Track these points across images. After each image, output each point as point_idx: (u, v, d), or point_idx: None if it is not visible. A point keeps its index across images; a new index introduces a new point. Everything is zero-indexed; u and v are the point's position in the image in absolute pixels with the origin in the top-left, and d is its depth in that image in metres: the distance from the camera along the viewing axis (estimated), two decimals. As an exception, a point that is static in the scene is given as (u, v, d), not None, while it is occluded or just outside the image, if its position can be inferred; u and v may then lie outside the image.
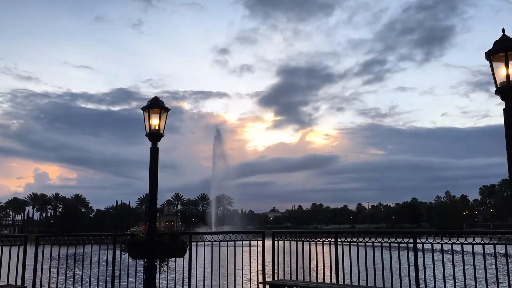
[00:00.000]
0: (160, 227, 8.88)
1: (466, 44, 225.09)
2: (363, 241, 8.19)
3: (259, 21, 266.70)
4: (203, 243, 9.24)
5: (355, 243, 8.19)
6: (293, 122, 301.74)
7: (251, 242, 9.26)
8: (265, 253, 8.89)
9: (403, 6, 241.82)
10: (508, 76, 4.81)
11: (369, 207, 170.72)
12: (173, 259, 8.79)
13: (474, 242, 6.98)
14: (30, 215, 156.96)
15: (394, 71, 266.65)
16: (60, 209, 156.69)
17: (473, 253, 7.04)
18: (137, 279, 9.02)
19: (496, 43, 4.99)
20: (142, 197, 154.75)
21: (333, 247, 8.33)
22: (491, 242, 6.82)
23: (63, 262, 10.63)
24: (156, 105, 8.14)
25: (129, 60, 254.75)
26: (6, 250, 8.84)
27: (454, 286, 7.02)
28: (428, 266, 7.50)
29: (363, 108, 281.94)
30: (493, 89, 4.97)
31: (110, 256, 8.84)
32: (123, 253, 8.65)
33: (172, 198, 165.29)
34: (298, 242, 9.03)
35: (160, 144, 8.21)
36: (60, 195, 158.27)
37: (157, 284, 8.17)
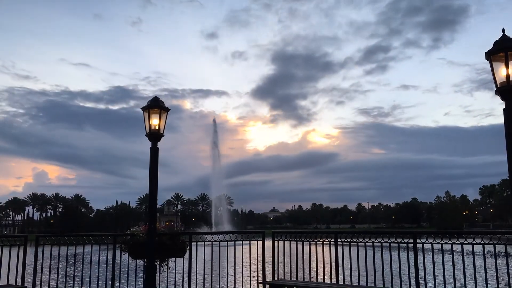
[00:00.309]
0: (160, 227, 8.89)
1: (481, 27, 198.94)
2: (363, 241, 8.20)
3: (251, 0, 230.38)
4: (203, 243, 9.24)
5: (355, 243, 8.19)
6: (291, 117, 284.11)
7: (251, 242, 9.26)
8: (265, 253, 8.90)
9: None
10: (508, 76, 4.81)
11: (369, 207, 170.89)
12: (173, 259, 8.79)
13: (474, 242, 6.98)
14: (30, 215, 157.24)
15: (399, 59, 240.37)
16: (60, 209, 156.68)
17: (473, 253, 7.04)
18: (137, 279, 9.02)
19: (496, 43, 5.00)
20: (142, 197, 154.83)
21: (333, 247, 8.33)
22: (491, 242, 6.82)
23: (63, 262, 10.60)
24: (156, 105, 8.15)
25: (127, 58, 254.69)
26: (6, 250, 8.85)
27: (454, 286, 7.03)
28: (428, 266, 7.50)
29: (364, 103, 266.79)
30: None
31: (110, 256, 8.84)
32: (123, 253, 8.65)
33: (172, 198, 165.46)
34: (298, 242, 9.03)
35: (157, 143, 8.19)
36: (60, 195, 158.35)
37: (157, 284, 8.17)
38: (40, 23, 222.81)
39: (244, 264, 9.96)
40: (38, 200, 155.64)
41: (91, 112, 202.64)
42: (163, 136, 8.21)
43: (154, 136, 8.10)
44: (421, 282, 7.40)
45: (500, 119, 4.91)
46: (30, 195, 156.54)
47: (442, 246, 7.32)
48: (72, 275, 9.43)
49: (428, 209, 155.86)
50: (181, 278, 9.10)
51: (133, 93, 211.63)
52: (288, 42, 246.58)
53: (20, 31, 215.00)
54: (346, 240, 8.32)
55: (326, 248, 8.52)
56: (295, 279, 8.89)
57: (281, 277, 8.99)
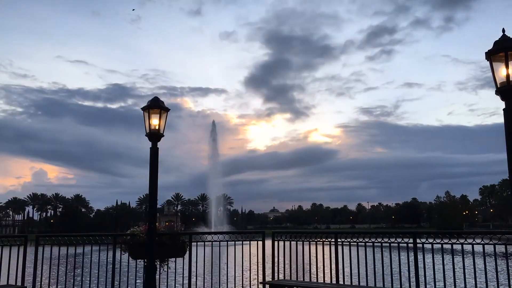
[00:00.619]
0: (160, 227, 8.89)
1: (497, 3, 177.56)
2: (363, 241, 8.20)
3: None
4: (203, 243, 9.24)
5: (355, 243, 8.19)
6: (287, 111, 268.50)
7: (251, 242, 9.26)
8: (265, 253, 8.90)
9: None
10: (508, 76, 4.81)
11: (369, 207, 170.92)
12: (173, 259, 8.79)
13: (474, 242, 6.98)
14: (30, 215, 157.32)
15: (405, 42, 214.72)
16: (60, 209, 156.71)
17: (473, 253, 7.04)
18: (137, 279, 9.02)
19: (496, 43, 5.00)
20: (142, 197, 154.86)
21: (333, 247, 8.33)
22: (491, 242, 6.82)
23: (63, 262, 10.61)
24: (156, 105, 8.16)
25: (126, 55, 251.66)
26: (6, 250, 8.85)
27: (454, 286, 7.03)
28: (428, 266, 7.50)
29: (366, 97, 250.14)
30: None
31: (110, 256, 8.84)
32: (123, 253, 8.65)
33: (172, 198, 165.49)
34: (298, 242, 9.03)
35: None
36: (60, 195, 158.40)
37: (157, 284, 8.17)
38: (38, 21, 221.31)
39: (244, 264, 9.96)
40: (38, 200, 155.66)
41: (89, 111, 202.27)
42: (163, 136, 8.22)
43: (154, 136, 8.11)
44: (421, 282, 7.40)
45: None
46: (30, 195, 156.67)
47: (442, 246, 7.32)
48: (72, 275, 9.42)
49: (428, 209, 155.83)
50: (181, 278, 9.10)
51: (131, 91, 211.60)
52: (282, 21, 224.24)
53: (18, 29, 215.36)
54: (346, 240, 8.32)
55: (326, 248, 8.51)
56: (295, 279, 8.89)
57: (281, 277, 9.00)
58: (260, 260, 8.90)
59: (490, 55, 5.00)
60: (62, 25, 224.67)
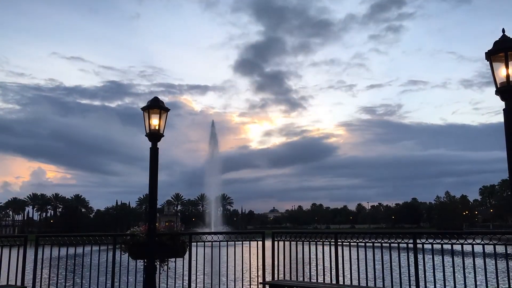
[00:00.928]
0: (160, 227, 8.88)
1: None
2: (363, 241, 8.20)
3: None
4: (203, 243, 9.24)
5: (355, 244, 8.19)
6: (282, 102, 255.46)
7: (251, 242, 9.26)
8: (265, 253, 8.90)
9: None
10: (508, 76, 4.82)
11: (369, 207, 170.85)
12: (173, 259, 8.79)
13: (474, 242, 6.98)
14: (30, 215, 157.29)
15: (415, 17, 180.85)
16: (60, 209, 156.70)
17: (473, 253, 7.04)
18: (137, 279, 9.02)
19: (496, 43, 5.00)
20: (142, 197, 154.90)
21: (333, 248, 8.33)
22: (491, 243, 6.82)
23: (63, 262, 10.62)
24: (156, 105, 8.17)
25: (124, 53, 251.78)
26: (6, 250, 8.85)
27: (454, 286, 7.02)
28: (428, 266, 7.50)
29: (368, 92, 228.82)
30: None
31: (110, 256, 8.84)
32: (123, 253, 8.65)
33: (172, 198, 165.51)
34: (298, 242, 9.03)
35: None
36: (60, 195, 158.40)
37: (157, 285, 8.17)
38: (36, 19, 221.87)
39: (244, 264, 9.97)
40: (38, 200, 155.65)
41: (85, 108, 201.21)
42: (163, 136, 8.23)
43: (154, 136, 8.11)
44: (421, 282, 7.40)
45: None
46: (30, 195, 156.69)
47: (442, 247, 7.32)
48: (72, 275, 9.42)
49: (428, 209, 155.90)
50: (181, 278, 9.10)
51: (128, 88, 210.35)
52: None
53: (16, 28, 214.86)
54: (346, 241, 8.32)
55: (326, 248, 8.51)
56: (295, 279, 8.89)
57: (281, 277, 8.99)
58: (260, 260, 8.90)
59: (490, 55, 5.01)
60: (59, 22, 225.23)
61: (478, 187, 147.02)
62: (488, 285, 6.92)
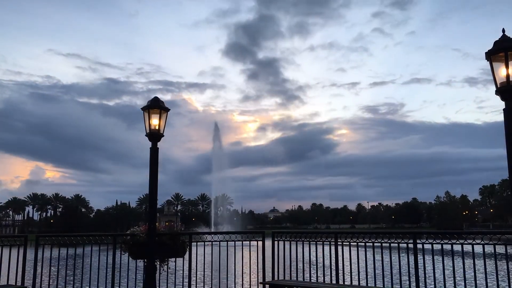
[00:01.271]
0: (160, 227, 8.89)
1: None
2: (363, 241, 8.20)
3: None
4: (203, 243, 9.25)
5: (355, 244, 8.19)
6: (277, 94, 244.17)
7: (251, 242, 9.26)
8: (265, 253, 8.90)
9: None
10: (508, 76, 4.82)
11: (369, 207, 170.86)
12: (173, 259, 8.80)
13: (474, 242, 6.98)
14: (30, 215, 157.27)
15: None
16: (60, 209, 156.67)
17: (473, 253, 7.04)
18: (137, 279, 9.02)
19: (496, 43, 5.00)
20: (142, 197, 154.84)
21: (333, 248, 8.33)
22: (491, 243, 6.82)
23: (63, 262, 10.62)
24: (156, 105, 8.17)
25: (123, 51, 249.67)
26: (6, 250, 8.86)
27: (454, 286, 7.03)
28: (428, 266, 7.50)
29: (369, 89, 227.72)
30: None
31: (110, 256, 8.84)
32: (123, 253, 8.65)
33: (172, 198, 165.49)
34: (298, 242, 9.03)
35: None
36: (60, 195, 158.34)
37: (157, 284, 8.17)
38: (35, 17, 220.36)
39: (244, 264, 9.99)
40: (38, 200, 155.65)
41: (84, 107, 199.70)
42: (163, 136, 8.23)
43: (154, 136, 8.12)
44: (421, 282, 7.40)
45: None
46: (30, 195, 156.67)
47: (442, 247, 7.32)
48: (72, 275, 9.43)
49: (428, 209, 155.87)
50: (181, 278, 9.10)
51: (126, 86, 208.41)
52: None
53: (14, 27, 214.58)
54: (346, 240, 8.32)
55: (326, 248, 8.52)
56: (295, 279, 8.89)
57: (281, 277, 8.99)
58: (260, 260, 8.90)
59: (490, 55, 5.01)
60: (58, 20, 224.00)
61: (479, 186, 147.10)
62: (488, 285, 6.91)
